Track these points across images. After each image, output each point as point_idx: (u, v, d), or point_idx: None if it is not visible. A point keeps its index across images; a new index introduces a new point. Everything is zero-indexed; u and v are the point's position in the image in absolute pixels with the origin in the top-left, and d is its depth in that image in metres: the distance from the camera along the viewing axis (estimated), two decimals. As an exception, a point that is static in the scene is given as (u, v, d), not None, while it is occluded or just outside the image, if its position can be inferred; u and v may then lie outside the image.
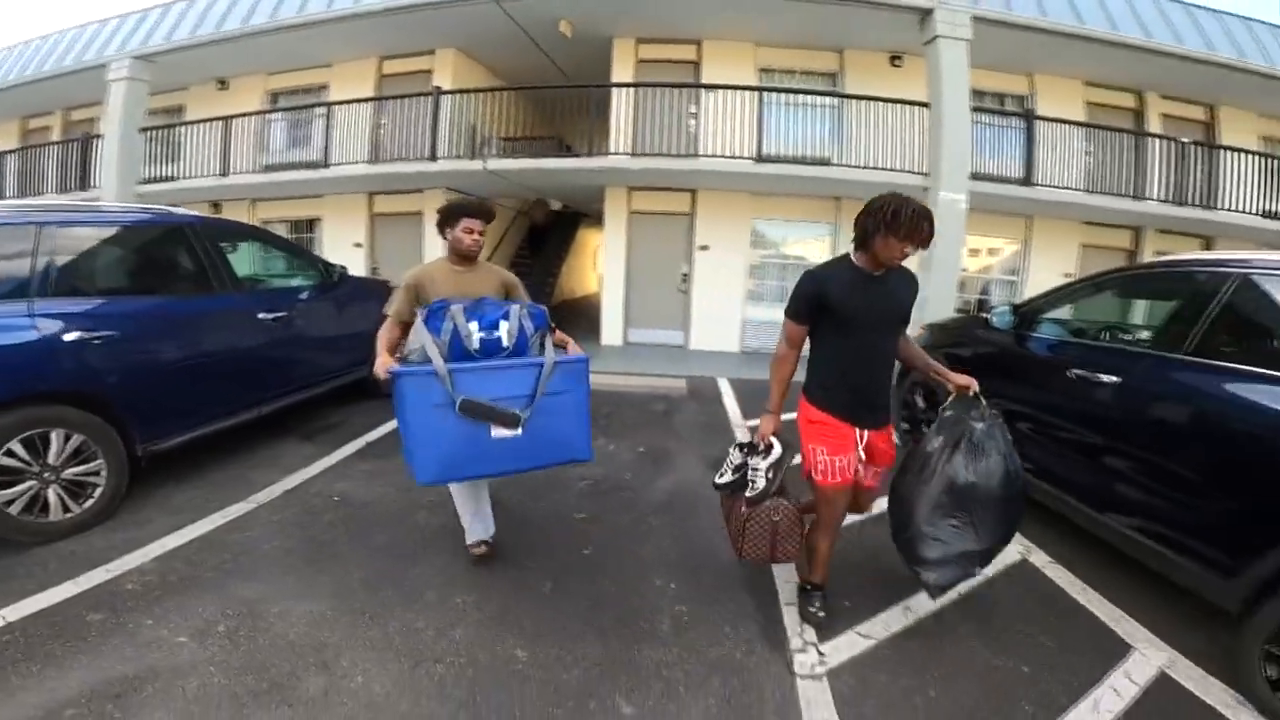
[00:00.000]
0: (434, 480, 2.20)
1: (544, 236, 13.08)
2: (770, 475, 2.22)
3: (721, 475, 2.41)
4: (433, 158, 8.28)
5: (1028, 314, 3.42)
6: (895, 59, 8.70)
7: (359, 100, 9.08)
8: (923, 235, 1.99)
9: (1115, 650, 2.31)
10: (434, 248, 9.21)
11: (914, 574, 2.33)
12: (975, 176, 7.53)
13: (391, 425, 4.59)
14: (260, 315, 3.92)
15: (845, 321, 2.13)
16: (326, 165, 9.06)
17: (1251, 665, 2.04)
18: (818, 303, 2.14)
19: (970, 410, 2.27)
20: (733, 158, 7.68)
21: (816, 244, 9.07)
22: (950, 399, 2.33)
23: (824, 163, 8.25)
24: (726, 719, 1.91)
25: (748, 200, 8.67)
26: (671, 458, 4.25)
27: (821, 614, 2.37)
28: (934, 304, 6.60)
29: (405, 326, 2.48)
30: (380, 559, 2.77)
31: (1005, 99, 9.34)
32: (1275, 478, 2.01)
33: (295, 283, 4.56)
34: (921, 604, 2.54)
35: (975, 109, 8.42)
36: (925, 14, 7.24)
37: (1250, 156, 8.51)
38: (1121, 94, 9.50)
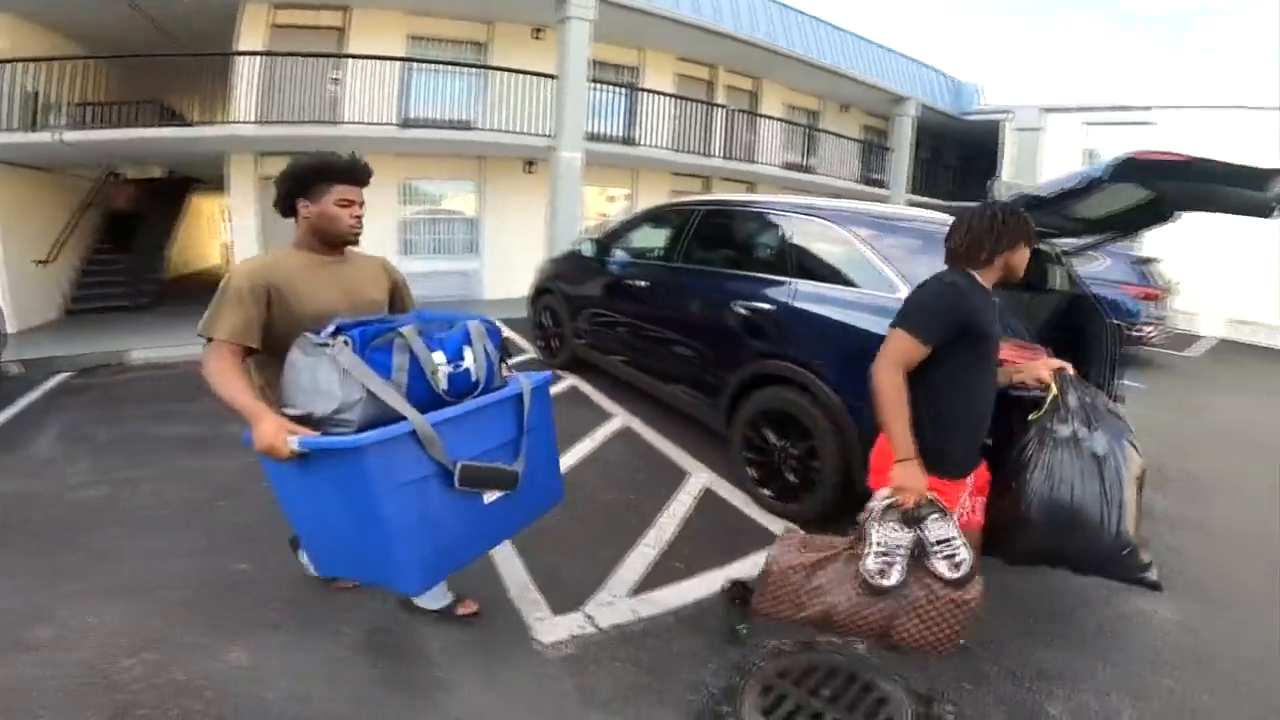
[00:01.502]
0: (426, 587, 1.67)
1: (131, 222, 10.36)
2: (963, 540, 1.65)
3: (885, 575, 1.66)
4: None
5: (604, 244, 4.69)
6: (538, 32, 9.62)
7: None
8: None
9: (680, 477, 3.45)
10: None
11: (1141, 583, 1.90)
12: (592, 138, 9.05)
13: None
14: None
15: (987, 352, 1.74)
16: None
17: (742, 471, 3.22)
18: (962, 326, 1.65)
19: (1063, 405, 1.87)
20: (377, 124, 7.90)
21: (464, 198, 9.89)
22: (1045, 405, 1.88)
23: (468, 126, 9.02)
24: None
25: (394, 162, 8.94)
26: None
27: None
28: (561, 248, 7.99)
29: (246, 355, 1.60)
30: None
31: (621, 70, 11.13)
32: (726, 339, 3.30)
33: None
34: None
35: (595, 80, 9.86)
36: (560, -4, 8.18)
37: (777, 122, 11.93)
38: (701, 68, 12.06)
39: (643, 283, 4.07)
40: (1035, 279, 3.37)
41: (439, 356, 1.54)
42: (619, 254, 4.52)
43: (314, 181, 1.69)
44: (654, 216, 4.53)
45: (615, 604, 2.35)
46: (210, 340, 1.56)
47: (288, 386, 1.48)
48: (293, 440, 1.35)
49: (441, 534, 1.53)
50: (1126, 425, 1.91)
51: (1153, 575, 1.85)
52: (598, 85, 9.67)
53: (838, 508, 2.84)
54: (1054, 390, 1.86)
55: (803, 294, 2.98)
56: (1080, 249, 3.47)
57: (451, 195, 9.83)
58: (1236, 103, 11.40)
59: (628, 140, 9.91)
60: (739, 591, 2.13)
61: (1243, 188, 2.26)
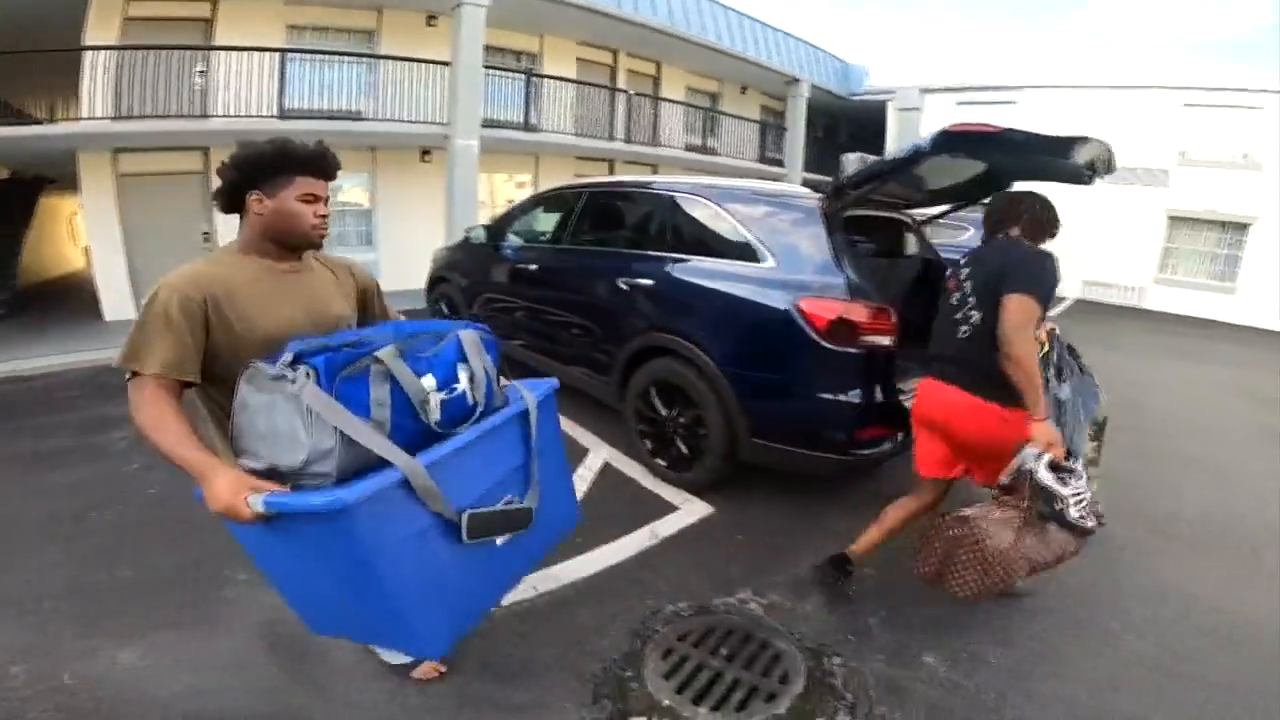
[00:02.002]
0: (449, 648, 1.39)
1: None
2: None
3: (1086, 519, 1.83)
4: None
5: (496, 230, 4.67)
6: (432, 19, 9.24)
7: None
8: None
9: (581, 454, 3.47)
10: None
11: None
12: (491, 124, 8.87)
13: None
14: None
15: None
16: None
17: (638, 443, 3.30)
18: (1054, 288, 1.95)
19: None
20: (252, 116, 7.44)
21: (357, 192, 9.50)
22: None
23: (358, 117, 8.63)
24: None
25: (275, 156, 8.50)
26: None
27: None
28: (460, 234, 7.84)
29: (182, 390, 1.28)
30: None
31: (521, 56, 10.95)
32: (614, 316, 3.40)
33: None
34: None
35: (495, 67, 9.73)
36: (453, -18, 7.93)
37: (678, 105, 12.11)
38: (603, 53, 12.02)
39: (534, 266, 4.10)
40: (895, 246, 3.68)
41: (429, 381, 1.25)
42: (511, 239, 4.52)
43: (271, 172, 1.37)
44: (543, 201, 4.55)
45: None
46: (134, 375, 1.22)
47: (241, 432, 1.17)
48: (254, 501, 1.07)
49: (452, 589, 1.28)
50: (1093, 381, 2.20)
51: (1099, 509, 1.95)
52: (495, 72, 9.51)
53: (727, 474, 3.01)
54: (1045, 347, 2.06)
55: (681, 268, 3.11)
56: (933, 218, 3.80)
57: (344, 187, 9.40)
58: (1092, 83, 12.65)
59: (528, 126, 9.79)
60: (836, 564, 2.34)
61: (1053, 156, 2.55)
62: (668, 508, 2.98)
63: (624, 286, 3.31)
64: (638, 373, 3.27)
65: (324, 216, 1.44)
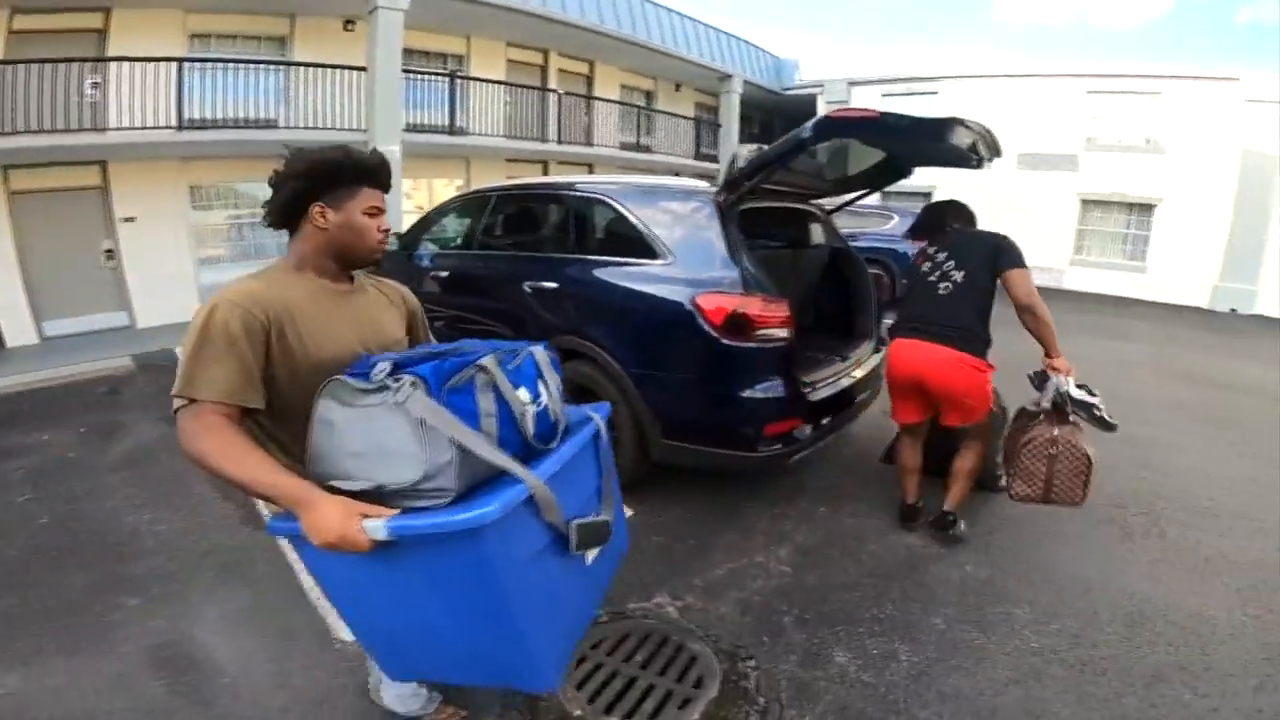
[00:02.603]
0: (560, 679, 1.28)
1: None
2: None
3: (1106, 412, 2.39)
4: None
5: (408, 237, 4.50)
6: (349, 24, 8.97)
7: None
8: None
9: None
10: None
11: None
12: (416, 129, 8.65)
13: None
14: None
15: None
16: None
17: None
18: None
19: None
20: (149, 129, 7.03)
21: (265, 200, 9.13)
22: None
23: (271, 125, 8.28)
24: (226, 580, 2.44)
25: (180, 166, 8.08)
26: (125, 428, 4.22)
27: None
28: (383, 243, 7.73)
29: (241, 418, 1.16)
30: None
31: (446, 58, 10.71)
32: (522, 320, 3.26)
33: None
34: None
35: (420, 70, 9.55)
36: (368, -14, 7.71)
37: (612, 104, 12.05)
38: (533, 53, 11.87)
39: (446, 273, 3.99)
40: (802, 237, 3.70)
41: (523, 394, 1.17)
42: (425, 246, 4.39)
43: (339, 182, 1.27)
44: (453, 206, 4.44)
45: None
46: (190, 402, 1.09)
47: (326, 453, 1.07)
48: (376, 527, 0.97)
49: (563, 611, 1.23)
50: None
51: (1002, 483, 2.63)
52: (415, 76, 9.29)
53: (643, 477, 2.95)
54: None
55: (582, 270, 3.05)
56: (840, 207, 3.84)
57: (259, 198, 8.99)
58: (1005, 72, 13.19)
59: (454, 130, 9.57)
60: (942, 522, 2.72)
61: (934, 140, 2.60)
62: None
63: (529, 290, 3.23)
64: None
65: (386, 231, 1.35)
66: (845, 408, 3.04)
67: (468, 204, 4.25)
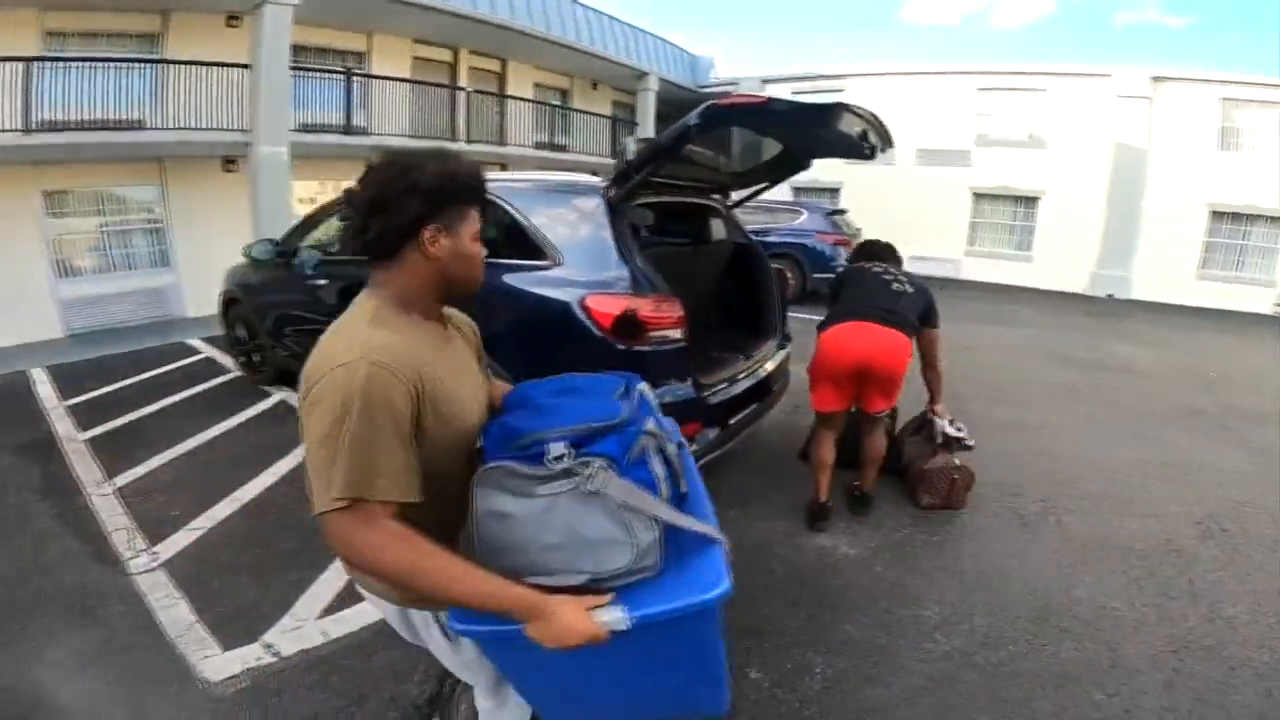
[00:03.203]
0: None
1: None
2: None
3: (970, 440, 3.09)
4: None
5: (283, 244, 4.18)
6: (233, 19, 8.31)
7: None
8: None
9: None
10: None
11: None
12: (312, 129, 8.11)
13: None
14: None
15: None
16: None
17: None
18: None
19: None
20: (-10, 130, 6.21)
21: (144, 205, 8.35)
22: None
23: (139, 126, 7.54)
24: (75, 620, 2.19)
25: (31, 172, 7.23)
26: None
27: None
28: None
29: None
30: None
31: (346, 55, 10.07)
32: None
33: None
34: (246, 493, 3.12)
35: (309, 67, 8.96)
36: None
37: (527, 103, 11.74)
38: (442, 50, 11.39)
39: (323, 280, 3.68)
40: (702, 232, 3.62)
41: (671, 448, 1.08)
42: (303, 253, 4.05)
43: (451, 201, 1.03)
44: (327, 210, 4.15)
45: (303, 628, 2.17)
46: (349, 506, 0.88)
47: (507, 547, 0.94)
48: (618, 620, 0.90)
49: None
50: None
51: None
52: (308, 74, 8.76)
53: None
54: None
55: None
56: (741, 202, 3.79)
57: (126, 203, 8.20)
58: (904, 70, 13.81)
59: (350, 129, 9.04)
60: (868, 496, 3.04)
61: (822, 127, 2.56)
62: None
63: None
64: None
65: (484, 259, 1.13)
66: (752, 407, 2.97)
67: (340, 207, 3.94)
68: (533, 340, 2.58)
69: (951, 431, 3.01)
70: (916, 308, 2.79)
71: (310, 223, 4.27)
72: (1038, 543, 2.79)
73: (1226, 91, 11.35)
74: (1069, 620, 2.25)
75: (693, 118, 2.19)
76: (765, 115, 2.31)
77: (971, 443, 3.06)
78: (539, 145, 11.98)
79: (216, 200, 8.34)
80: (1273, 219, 11.19)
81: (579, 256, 2.55)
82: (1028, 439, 4.02)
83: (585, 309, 2.40)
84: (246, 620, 2.19)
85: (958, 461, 3.01)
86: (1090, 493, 3.28)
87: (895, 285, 2.81)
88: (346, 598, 2.28)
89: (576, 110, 13.42)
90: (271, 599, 2.30)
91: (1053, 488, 3.32)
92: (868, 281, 2.87)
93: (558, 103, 13.51)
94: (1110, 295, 11.92)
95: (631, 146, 2.49)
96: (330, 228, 4.17)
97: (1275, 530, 2.95)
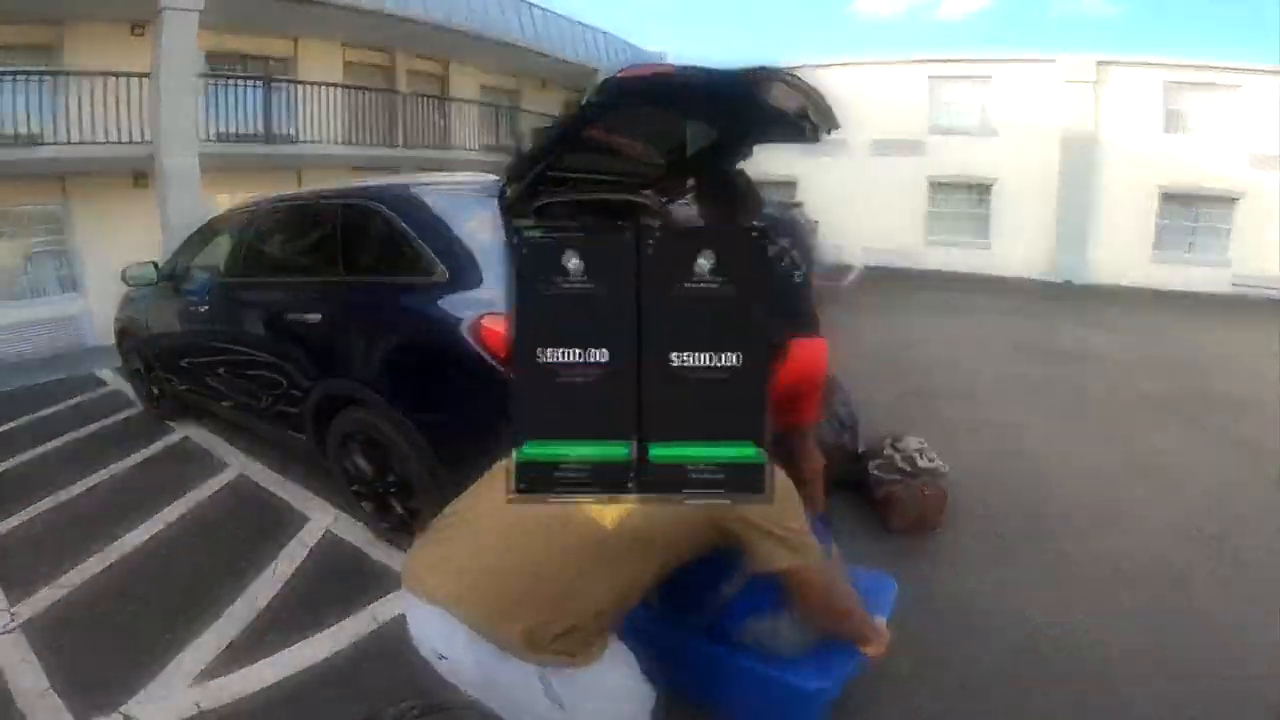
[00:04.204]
0: None
1: None
2: None
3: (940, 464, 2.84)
4: None
5: (168, 267, 3.77)
6: (138, 28, 7.81)
7: None
8: None
9: (298, 525, 2.85)
10: None
11: None
12: (230, 138, 7.59)
13: None
14: None
15: None
16: None
17: (356, 506, 2.70)
18: None
19: None
20: None
21: (43, 228, 7.82)
22: None
23: (35, 141, 6.96)
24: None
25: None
26: None
27: None
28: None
29: None
30: None
31: (269, 61, 9.52)
32: (288, 361, 2.67)
33: None
34: (127, 544, 2.74)
35: (227, 75, 8.46)
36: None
37: (470, 106, 11.27)
38: (376, 54, 10.85)
39: (207, 307, 3.27)
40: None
41: None
42: (192, 275, 3.64)
43: None
44: (213, 228, 3.73)
45: (170, 697, 1.93)
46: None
47: None
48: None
49: None
50: None
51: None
52: (218, 81, 8.24)
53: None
54: None
55: (347, 295, 2.48)
56: (678, 196, 3.45)
57: (27, 225, 7.61)
58: (854, 60, 13.70)
59: (276, 137, 8.51)
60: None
61: (747, 102, 2.23)
62: (394, 579, 2.35)
63: (292, 323, 2.60)
64: (330, 428, 2.57)
65: None
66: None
67: (229, 223, 3.57)
68: (419, 370, 2.22)
69: (923, 463, 2.77)
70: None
71: (201, 239, 3.81)
72: (1015, 566, 2.51)
73: (1169, 75, 11.51)
74: (1059, 660, 1.96)
75: (590, 97, 1.84)
76: (679, 90, 1.98)
77: (946, 469, 2.82)
78: (487, 148, 11.51)
79: (128, 219, 7.73)
80: (1220, 199, 11.36)
81: (471, 270, 2.16)
82: (999, 440, 3.79)
83: (477, 331, 2.01)
84: (105, 690, 1.93)
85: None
86: (1070, 504, 3.02)
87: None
88: (228, 661, 2.04)
89: (527, 110, 12.98)
90: (140, 663, 2.04)
91: (1031, 499, 3.06)
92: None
93: (506, 103, 13.07)
94: (1068, 281, 11.96)
95: (528, 136, 2.13)
96: (224, 245, 3.72)
97: (1273, 535, 2.73)
